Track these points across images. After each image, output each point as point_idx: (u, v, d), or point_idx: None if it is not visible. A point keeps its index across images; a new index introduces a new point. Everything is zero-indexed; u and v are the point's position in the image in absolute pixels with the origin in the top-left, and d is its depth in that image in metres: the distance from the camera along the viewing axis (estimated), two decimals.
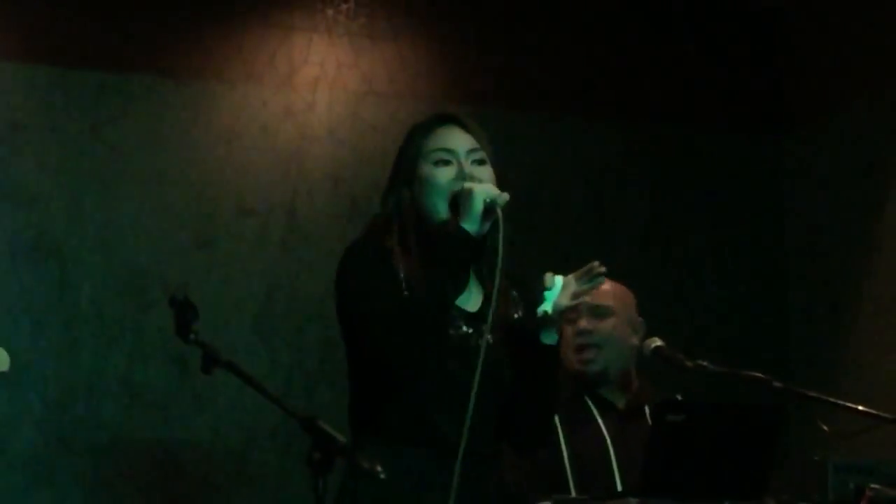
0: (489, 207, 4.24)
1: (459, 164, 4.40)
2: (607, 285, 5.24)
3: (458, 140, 4.47)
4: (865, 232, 6.75)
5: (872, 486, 4.79)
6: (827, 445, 5.35)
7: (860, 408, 5.10)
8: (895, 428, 4.95)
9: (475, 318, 4.44)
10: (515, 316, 4.57)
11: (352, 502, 4.27)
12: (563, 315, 4.46)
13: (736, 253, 7.00)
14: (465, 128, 4.50)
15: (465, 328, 4.44)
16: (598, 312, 5.35)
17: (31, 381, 5.76)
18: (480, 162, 4.43)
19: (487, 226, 4.26)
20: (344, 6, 6.63)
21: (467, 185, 4.32)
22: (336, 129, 6.66)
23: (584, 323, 5.32)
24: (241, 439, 6.32)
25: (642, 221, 6.84)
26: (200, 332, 4.05)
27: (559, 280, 4.37)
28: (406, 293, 4.34)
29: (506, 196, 4.29)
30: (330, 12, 6.64)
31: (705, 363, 5.18)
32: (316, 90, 6.65)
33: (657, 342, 5.28)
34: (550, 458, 5.22)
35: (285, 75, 6.64)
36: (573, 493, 5.13)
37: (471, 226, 4.25)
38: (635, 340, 5.39)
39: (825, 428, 5.25)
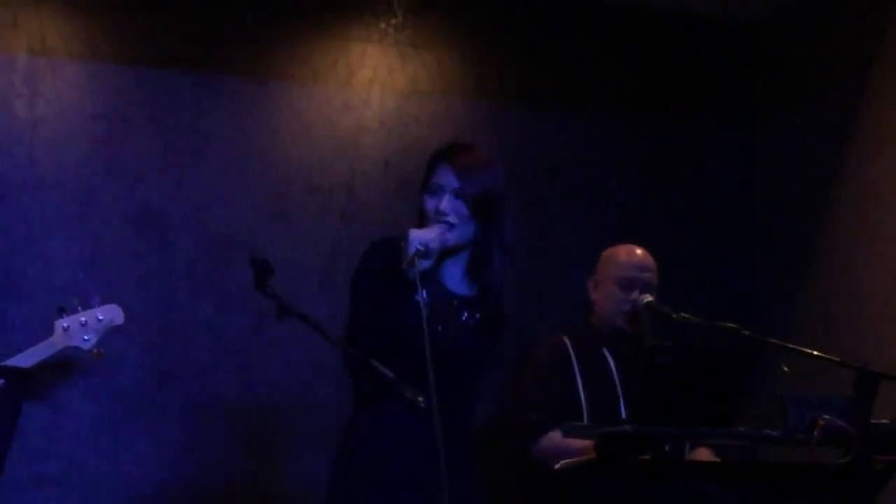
0: (419, 249, 4.24)
1: (442, 198, 4.40)
2: (651, 260, 5.46)
3: (447, 177, 4.46)
4: (821, 204, 6.83)
5: (825, 416, 4.96)
6: (789, 384, 5.53)
7: (815, 353, 5.23)
8: (844, 369, 5.06)
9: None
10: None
11: (352, 431, 4.55)
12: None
13: (715, 222, 7.08)
14: (454, 167, 4.45)
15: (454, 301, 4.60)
16: (648, 288, 5.45)
17: (135, 328, 5.74)
18: (455, 195, 4.40)
19: (423, 263, 4.25)
20: (393, 21, 6.71)
21: (411, 232, 4.31)
22: (386, 122, 6.70)
23: (636, 295, 5.42)
24: (306, 376, 6.36)
25: (639, 199, 6.89)
26: (274, 287, 4.28)
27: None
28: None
29: (435, 242, 4.27)
30: (382, 25, 6.71)
31: (688, 315, 5.31)
32: (370, 89, 6.71)
33: (648, 298, 5.42)
34: (568, 393, 5.40)
35: (345, 77, 6.69)
36: (586, 420, 5.34)
37: (405, 265, 4.27)
38: None
39: (786, 369, 5.40)
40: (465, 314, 4.57)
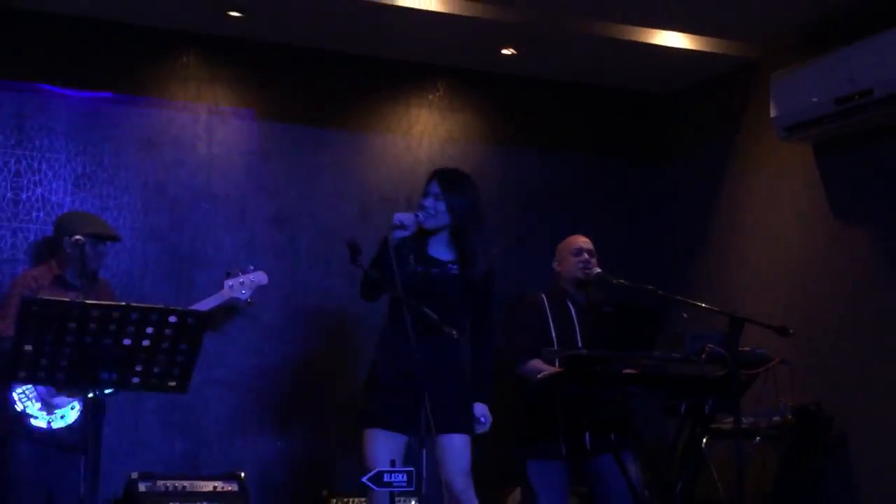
0: (397, 224, 4.44)
1: (429, 198, 4.56)
2: (589, 240, 5.45)
3: (434, 186, 4.58)
4: (707, 216, 6.73)
5: (709, 345, 4.91)
6: (687, 324, 5.47)
7: (703, 305, 5.19)
8: (721, 315, 5.02)
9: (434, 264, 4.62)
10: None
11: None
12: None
13: (636, 225, 6.96)
14: (439, 180, 4.60)
15: (425, 268, 4.61)
16: (591, 254, 5.40)
17: (273, 286, 5.61)
18: (437, 198, 4.54)
19: (400, 233, 4.45)
20: (437, 93, 6.64)
21: (395, 213, 4.54)
22: (432, 159, 6.52)
23: (586, 256, 5.36)
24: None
25: (578, 215, 6.71)
26: (363, 261, 4.28)
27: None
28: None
29: (407, 217, 4.47)
30: (429, 96, 6.62)
31: (623, 281, 5.29)
32: (422, 138, 6.62)
33: (597, 270, 5.39)
34: (542, 333, 5.35)
35: (406, 129, 6.58)
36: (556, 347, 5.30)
37: (389, 235, 4.43)
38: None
39: (685, 315, 5.37)
40: (444, 268, 4.62)
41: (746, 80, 6.45)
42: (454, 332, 4.47)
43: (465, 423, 4.62)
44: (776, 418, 5.40)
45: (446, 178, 4.66)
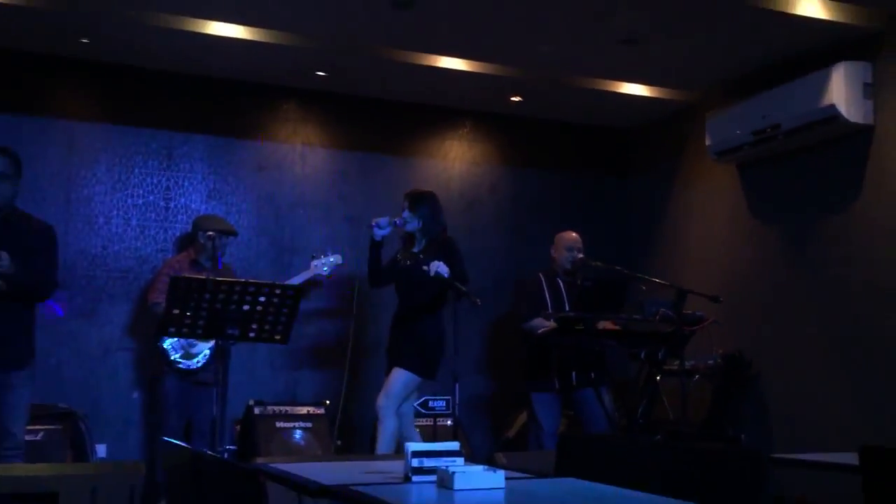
0: (373, 225, 4.68)
1: (404, 210, 4.80)
2: (579, 238, 5.48)
3: (406, 202, 4.83)
4: (659, 219, 6.67)
5: (662, 309, 4.92)
6: (645, 294, 5.48)
7: (657, 280, 5.19)
8: (670, 288, 5.01)
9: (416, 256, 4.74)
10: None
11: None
12: None
13: (607, 226, 6.89)
14: (407, 198, 4.83)
15: (411, 260, 4.76)
16: (580, 251, 5.41)
17: (347, 267, 5.62)
18: (409, 208, 4.76)
19: (378, 231, 4.73)
20: (464, 129, 6.59)
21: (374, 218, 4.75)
22: (462, 178, 6.52)
23: (575, 253, 5.37)
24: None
25: (565, 216, 6.64)
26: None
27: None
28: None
29: (383, 220, 4.68)
30: (459, 130, 6.56)
31: (599, 262, 5.31)
32: (455, 162, 6.56)
33: (581, 255, 5.40)
34: (540, 300, 5.36)
35: (442, 155, 6.53)
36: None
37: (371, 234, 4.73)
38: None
39: (644, 288, 5.39)
40: (411, 258, 4.78)
41: (687, 118, 6.41)
42: (477, 301, 4.48)
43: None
44: (710, 362, 5.39)
45: (413, 197, 4.87)
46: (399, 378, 4.63)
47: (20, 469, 3.12)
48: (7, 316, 3.59)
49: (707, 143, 5.85)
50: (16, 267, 3.59)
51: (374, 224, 4.58)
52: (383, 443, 4.54)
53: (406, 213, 4.77)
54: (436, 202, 4.93)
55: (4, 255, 3.52)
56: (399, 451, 4.46)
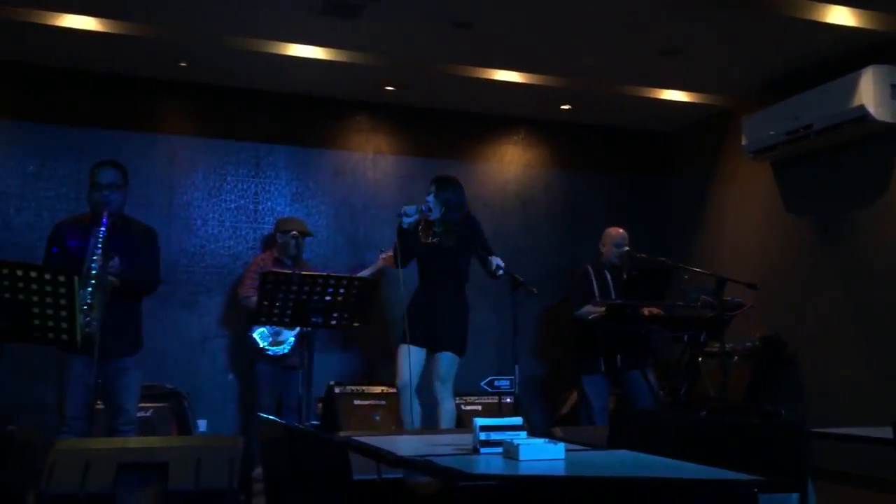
0: (401, 213, 4.32)
1: (429, 197, 4.43)
2: (626, 233, 5.34)
3: (432, 187, 4.48)
4: (697, 215, 6.54)
5: (703, 296, 4.84)
6: (687, 282, 5.40)
7: (697, 269, 5.11)
8: (712, 277, 4.92)
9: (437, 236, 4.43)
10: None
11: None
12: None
13: (651, 216, 6.78)
14: (435, 184, 4.48)
15: (431, 241, 4.44)
16: (626, 244, 5.29)
17: None
18: (434, 196, 4.41)
19: (406, 219, 4.32)
20: (519, 136, 6.58)
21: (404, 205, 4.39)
22: (518, 180, 6.48)
23: (621, 249, 5.26)
24: None
25: (611, 212, 6.52)
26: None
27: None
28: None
29: (411, 209, 4.32)
30: (514, 137, 6.53)
31: (644, 255, 5.24)
32: (511, 165, 6.52)
33: (627, 248, 5.33)
34: (589, 290, 5.30)
35: (499, 159, 6.50)
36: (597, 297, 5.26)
37: (399, 221, 4.35)
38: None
39: (686, 277, 5.30)
40: (438, 239, 4.43)
41: (724, 120, 6.29)
42: (534, 290, 4.44)
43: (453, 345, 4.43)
44: (748, 344, 5.30)
45: (439, 181, 4.52)
46: (450, 363, 4.43)
47: (135, 442, 3.20)
48: (119, 309, 3.68)
49: (743, 143, 5.74)
50: (124, 267, 3.68)
51: (402, 213, 4.42)
52: (445, 421, 4.47)
53: (430, 199, 4.43)
54: (460, 188, 4.58)
55: (116, 259, 3.62)
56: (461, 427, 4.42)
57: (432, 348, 4.41)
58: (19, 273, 2.96)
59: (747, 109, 5.84)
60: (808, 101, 5.20)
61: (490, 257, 4.44)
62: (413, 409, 4.36)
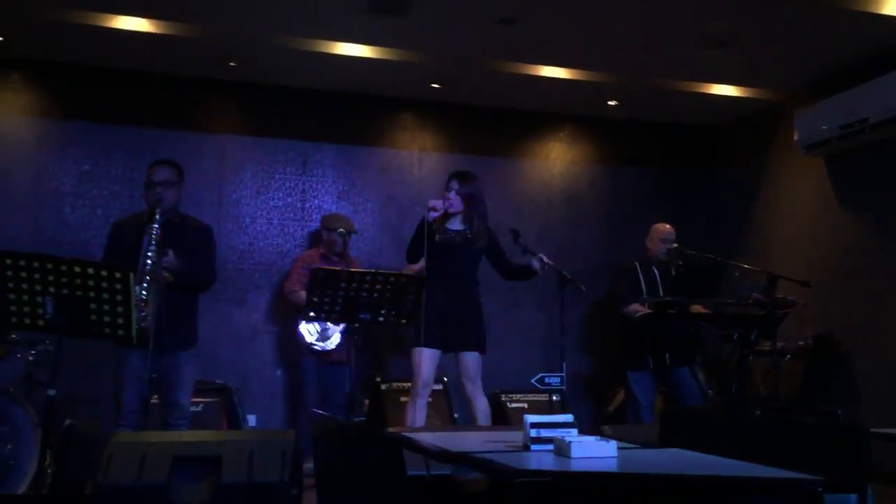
0: (430, 207, 4.23)
1: (451, 193, 4.33)
2: (673, 229, 5.30)
3: (454, 183, 4.37)
4: (747, 210, 6.46)
5: (754, 294, 4.77)
6: (739, 280, 5.32)
7: (747, 266, 5.04)
8: (762, 274, 4.85)
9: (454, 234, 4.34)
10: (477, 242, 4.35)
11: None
12: None
13: (701, 212, 6.72)
14: (458, 179, 4.38)
15: (450, 237, 4.34)
16: (673, 240, 5.25)
17: None
18: (456, 192, 4.31)
19: (431, 214, 4.22)
20: (563, 133, 6.54)
21: (429, 200, 4.29)
22: (563, 177, 6.44)
23: (668, 244, 5.22)
24: None
25: (658, 209, 6.46)
26: (522, 241, 4.23)
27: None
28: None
29: (438, 203, 4.22)
30: (559, 134, 6.51)
31: (693, 252, 5.16)
32: (556, 162, 6.48)
33: (675, 245, 5.28)
34: (636, 287, 5.25)
35: (545, 155, 6.47)
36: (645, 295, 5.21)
37: (425, 215, 4.24)
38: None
39: (737, 274, 5.23)
40: (460, 235, 4.35)
41: (774, 115, 6.18)
42: (582, 287, 4.41)
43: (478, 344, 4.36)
44: (801, 342, 5.21)
45: (461, 176, 4.45)
46: (478, 361, 4.39)
47: (189, 435, 3.26)
48: (174, 305, 3.74)
49: (795, 137, 5.63)
50: (179, 262, 3.74)
51: (431, 207, 4.36)
52: (482, 418, 4.43)
53: (452, 195, 4.35)
54: (479, 183, 4.50)
55: (171, 253, 3.68)
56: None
57: (455, 348, 4.35)
58: (77, 270, 3.03)
59: (799, 103, 5.73)
60: (864, 95, 5.09)
61: (532, 259, 4.41)
62: (481, 409, 4.39)
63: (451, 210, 4.36)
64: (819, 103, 5.47)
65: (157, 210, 3.73)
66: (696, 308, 4.84)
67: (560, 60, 5.56)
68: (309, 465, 4.38)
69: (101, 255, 3.93)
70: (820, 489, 1.47)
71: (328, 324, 5.15)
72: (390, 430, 3.58)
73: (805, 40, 5.09)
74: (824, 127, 5.37)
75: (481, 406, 4.39)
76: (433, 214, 4.27)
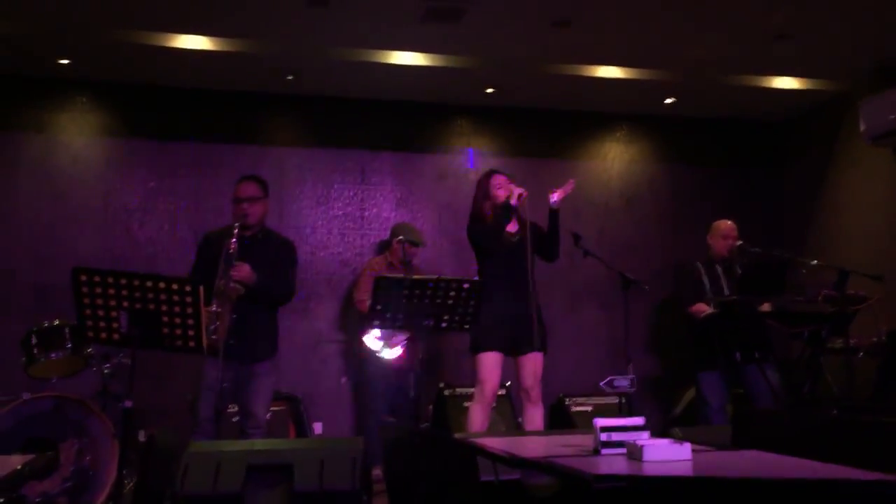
0: (520, 195, 4.11)
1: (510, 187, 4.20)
2: (734, 226, 5.17)
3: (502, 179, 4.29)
4: (815, 205, 6.33)
5: (824, 290, 4.64)
6: (806, 277, 5.20)
7: (815, 262, 4.93)
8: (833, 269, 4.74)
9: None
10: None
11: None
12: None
13: (764, 216, 6.58)
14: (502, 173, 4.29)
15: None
16: (736, 238, 5.12)
17: None
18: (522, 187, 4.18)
19: (517, 204, 4.10)
20: (620, 133, 6.49)
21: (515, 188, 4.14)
22: (621, 176, 6.39)
23: (731, 242, 5.10)
24: None
25: (720, 206, 6.34)
26: (581, 241, 4.18)
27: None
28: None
29: (523, 191, 4.10)
30: (616, 134, 6.46)
31: (758, 248, 5.07)
32: (614, 161, 6.44)
33: (739, 242, 5.18)
34: (700, 287, 5.16)
35: (602, 156, 6.43)
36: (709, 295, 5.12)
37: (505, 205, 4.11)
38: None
39: (804, 270, 5.11)
40: (517, 235, 4.24)
41: (838, 106, 6.04)
42: (646, 286, 4.35)
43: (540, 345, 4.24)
44: (875, 339, 5.04)
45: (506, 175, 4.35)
46: (541, 365, 4.31)
47: (261, 444, 3.32)
48: (253, 317, 3.84)
49: (861, 128, 5.47)
50: (261, 277, 3.82)
51: (520, 194, 4.28)
52: (540, 423, 4.34)
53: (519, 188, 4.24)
54: None
55: (245, 267, 3.76)
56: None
57: (518, 351, 4.26)
58: (148, 284, 3.11)
59: (864, 93, 5.58)
60: None
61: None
62: (541, 412, 4.32)
63: (523, 197, 4.22)
64: (885, 93, 5.31)
65: (237, 225, 3.84)
66: (764, 306, 4.73)
67: (615, 60, 5.53)
68: (377, 472, 4.43)
69: (174, 269, 4.03)
70: None
71: (393, 331, 5.18)
72: (457, 436, 3.58)
73: (868, 27, 4.96)
74: (892, 116, 5.21)
75: (537, 415, 4.32)
76: (515, 202, 4.18)
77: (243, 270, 3.77)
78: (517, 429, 5.20)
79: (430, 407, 5.52)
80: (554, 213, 4.24)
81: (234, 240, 3.76)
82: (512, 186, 4.27)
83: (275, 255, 4.02)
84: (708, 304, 4.96)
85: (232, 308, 3.68)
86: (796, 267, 5.23)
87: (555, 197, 4.21)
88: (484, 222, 4.33)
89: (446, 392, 5.43)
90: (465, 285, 3.79)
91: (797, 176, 6.52)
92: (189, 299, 3.12)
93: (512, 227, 4.36)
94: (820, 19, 4.84)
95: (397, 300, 3.74)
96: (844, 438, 2.49)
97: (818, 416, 3.22)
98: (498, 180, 4.36)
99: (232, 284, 3.71)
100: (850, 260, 5.30)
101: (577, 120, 6.39)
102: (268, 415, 4.92)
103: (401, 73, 5.49)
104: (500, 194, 4.33)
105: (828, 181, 6.20)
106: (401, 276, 3.95)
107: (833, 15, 4.78)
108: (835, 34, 5.06)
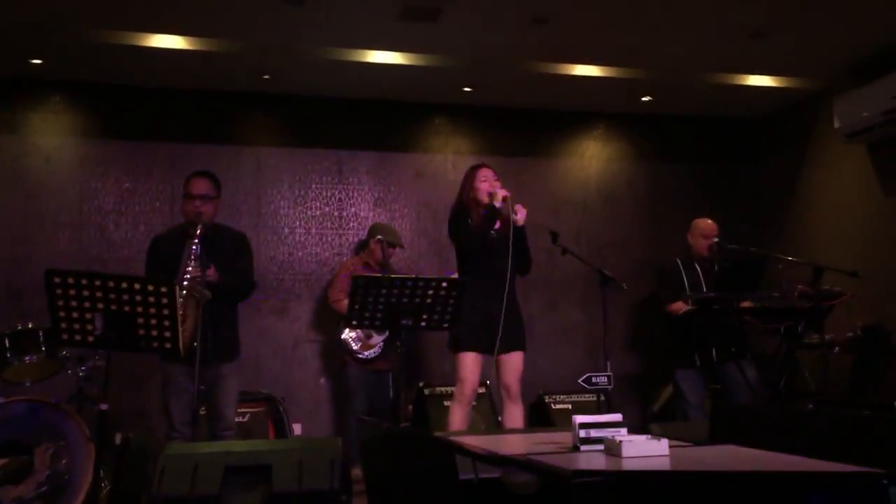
0: (503, 197, 4.09)
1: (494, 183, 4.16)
2: (714, 224, 5.19)
3: (486, 170, 4.28)
4: (788, 202, 6.37)
5: (799, 286, 4.68)
6: (783, 273, 5.24)
7: (790, 258, 4.96)
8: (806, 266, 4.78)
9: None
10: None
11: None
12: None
13: (740, 210, 6.63)
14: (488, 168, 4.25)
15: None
16: (715, 235, 5.16)
17: None
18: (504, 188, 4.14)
19: (500, 205, 4.06)
20: (597, 131, 6.47)
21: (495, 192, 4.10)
22: (599, 175, 6.37)
23: (710, 241, 5.12)
24: None
25: (698, 204, 6.36)
26: (559, 240, 4.18)
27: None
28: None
29: (506, 193, 4.06)
30: (593, 132, 6.41)
31: (735, 245, 5.09)
32: (591, 160, 6.33)
33: (716, 240, 5.19)
34: (679, 284, 5.18)
35: (580, 154, 6.40)
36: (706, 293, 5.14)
37: (490, 208, 4.08)
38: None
39: (780, 266, 5.15)
40: (497, 234, 4.21)
41: (813, 104, 6.09)
42: (624, 285, 4.35)
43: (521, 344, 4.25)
44: (850, 334, 5.10)
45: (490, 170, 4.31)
46: (521, 363, 4.31)
47: (239, 445, 3.29)
48: (216, 316, 3.79)
49: (836, 125, 5.54)
50: (223, 274, 3.78)
51: (504, 196, 4.23)
52: (520, 420, 4.33)
53: (503, 190, 4.21)
54: None
55: (212, 269, 3.72)
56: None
57: (498, 350, 4.20)
58: (123, 285, 3.08)
59: (839, 91, 5.64)
60: None
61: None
62: (520, 410, 4.30)
63: (498, 204, 4.21)
64: (859, 89, 5.37)
65: (199, 226, 3.76)
66: (745, 302, 4.77)
67: (592, 58, 5.54)
68: (357, 472, 4.42)
69: (143, 271, 3.98)
70: (885, 482, 1.44)
71: (371, 331, 5.16)
72: (436, 434, 3.57)
73: (842, 26, 5.00)
74: (865, 113, 5.27)
75: (517, 413, 4.30)
76: (499, 205, 4.13)
77: (211, 274, 3.73)
78: (497, 427, 5.20)
79: (410, 406, 5.51)
80: (519, 231, 4.18)
81: (196, 240, 3.69)
82: (497, 187, 4.24)
83: (230, 251, 3.96)
84: (686, 303, 4.99)
85: (196, 309, 3.63)
86: (772, 263, 5.28)
87: (519, 217, 4.15)
88: (466, 215, 4.31)
89: (426, 391, 5.44)
90: (444, 284, 3.79)
91: (773, 173, 6.58)
92: (165, 300, 3.09)
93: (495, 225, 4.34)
94: (795, 18, 4.87)
95: (375, 299, 3.73)
96: (820, 432, 2.51)
97: (794, 410, 3.24)
98: (484, 173, 4.34)
99: (202, 288, 3.65)
100: (826, 256, 5.36)
101: (555, 118, 6.40)
102: (246, 416, 4.92)
103: (378, 72, 5.47)
104: (484, 187, 4.29)
105: (803, 178, 6.26)
106: (378, 275, 3.93)
107: (808, 14, 4.82)
108: (810, 33, 5.10)
